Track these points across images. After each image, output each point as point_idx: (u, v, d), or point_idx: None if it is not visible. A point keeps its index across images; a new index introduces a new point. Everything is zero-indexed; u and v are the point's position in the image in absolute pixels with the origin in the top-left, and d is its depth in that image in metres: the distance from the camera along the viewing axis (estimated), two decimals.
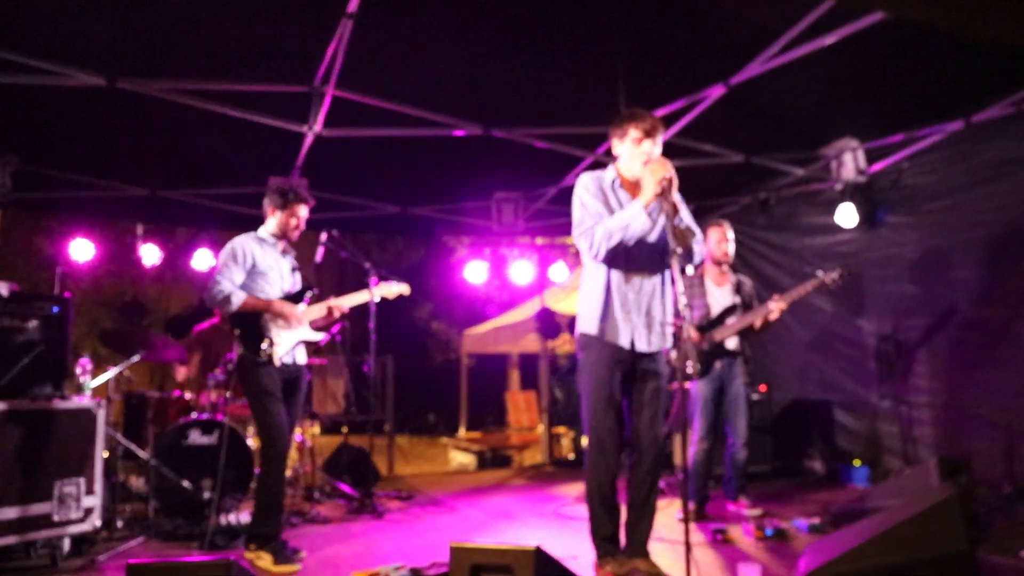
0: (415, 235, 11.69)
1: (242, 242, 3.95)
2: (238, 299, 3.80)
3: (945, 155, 5.32)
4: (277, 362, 3.83)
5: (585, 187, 3.38)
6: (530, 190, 6.92)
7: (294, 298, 4.04)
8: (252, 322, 3.86)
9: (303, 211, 4.04)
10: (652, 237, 3.35)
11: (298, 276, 4.18)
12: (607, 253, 3.25)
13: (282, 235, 4.05)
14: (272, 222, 4.04)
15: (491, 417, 15.37)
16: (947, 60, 4.45)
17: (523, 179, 6.72)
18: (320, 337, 4.13)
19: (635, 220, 3.17)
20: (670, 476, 6.09)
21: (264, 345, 3.81)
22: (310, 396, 6.75)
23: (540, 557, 2.39)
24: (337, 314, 4.11)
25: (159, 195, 6.21)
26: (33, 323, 3.97)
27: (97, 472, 4.02)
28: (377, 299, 4.44)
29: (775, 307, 4.55)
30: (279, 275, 4.03)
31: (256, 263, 3.93)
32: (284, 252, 4.10)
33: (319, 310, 4.07)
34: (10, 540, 3.66)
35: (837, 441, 6.18)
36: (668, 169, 3.11)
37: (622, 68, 4.49)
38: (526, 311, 10.97)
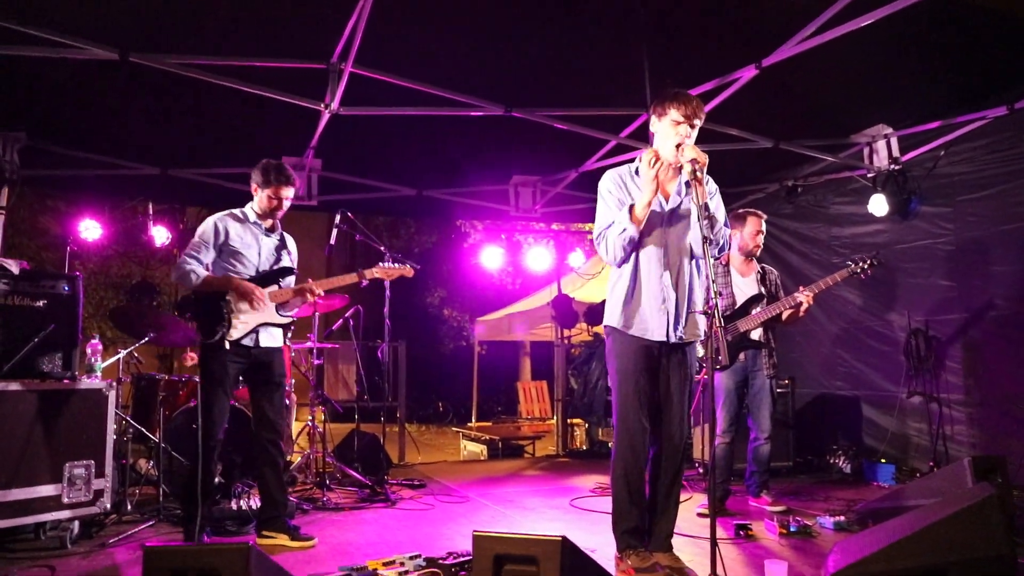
0: (431, 218, 11.58)
1: (218, 219, 3.85)
2: (197, 277, 3.70)
3: (984, 143, 5.13)
4: (226, 344, 3.67)
5: (607, 189, 3.33)
6: (549, 174, 6.79)
7: (268, 278, 3.90)
8: (210, 303, 3.72)
9: (286, 192, 3.90)
10: (681, 226, 3.27)
11: (286, 256, 4.03)
12: (624, 255, 3.23)
13: (265, 214, 3.92)
14: (256, 200, 3.93)
15: (501, 407, 15.32)
16: (989, 42, 4.30)
17: (542, 163, 6.59)
18: (286, 321, 3.93)
19: (639, 203, 3.15)
20: (689, 470, 5.99)
21: (220, 326, 3.67)
22: (321, 381, 6.68)
23: (566, 548, 2.29)
24: (310, 298, 3.94)
25: (169, 174, 6.12)
26: (43, 302, 3.92)
27: (107, 454, 3.97)
28: (367, 282, 4.16)
29: (803, 298, 4.41)
30: (257, 254, 3.89)
31: (230, 241, 3.81)
32: (271, 230, 3.98)
33: (289, 292, 3.92)
34: (20, 520, 3.63)
35: (863, 438, 6.04)
36: (700, 155, 3.01)
37: (649, 48, 4.34)
38: (541, 298, 10.84)
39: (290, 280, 4.02)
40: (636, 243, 3.23)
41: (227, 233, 3.82)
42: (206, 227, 3.82)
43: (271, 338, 3.91)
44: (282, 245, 4.03)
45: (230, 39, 4.20)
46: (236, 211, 3.93)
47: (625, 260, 3.25)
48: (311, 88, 4.58)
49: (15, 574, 3.20)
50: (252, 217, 3.93)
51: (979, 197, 5.18)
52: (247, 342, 3.78)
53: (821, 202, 6.49)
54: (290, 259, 4.05)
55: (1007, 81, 4.79)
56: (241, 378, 3.97)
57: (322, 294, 3.97)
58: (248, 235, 3.88)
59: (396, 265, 4.28)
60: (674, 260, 3.26)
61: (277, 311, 3.90)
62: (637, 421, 3.22)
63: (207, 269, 3.79)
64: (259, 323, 3.81)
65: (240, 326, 3.74)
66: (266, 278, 3.89)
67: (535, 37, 4.31)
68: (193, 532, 3.65)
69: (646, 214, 3.14)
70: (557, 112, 5.13)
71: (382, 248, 4.74)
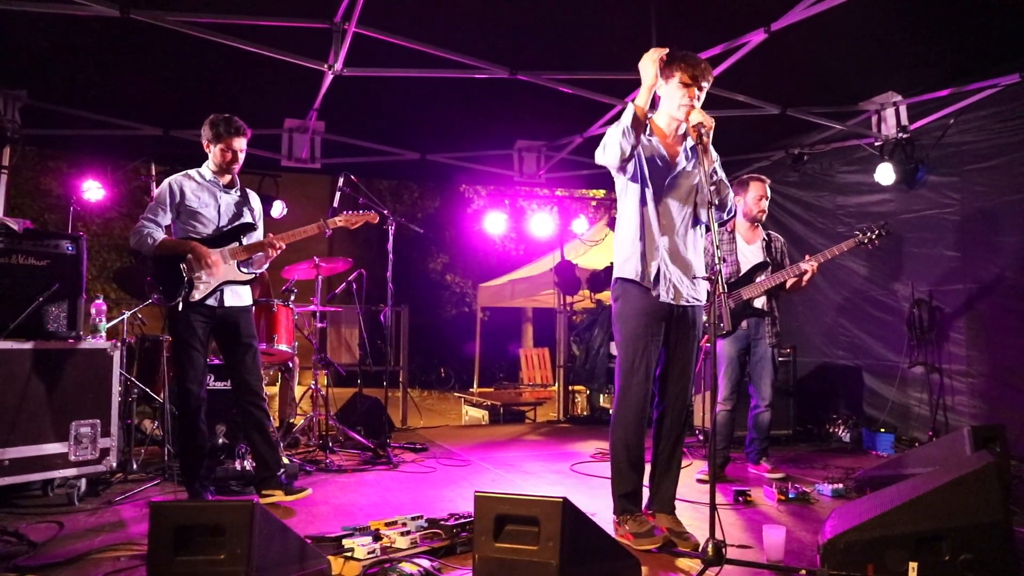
0: (434, 183, 11.52)
1: (172, 180, 3.79)
2: (154, 240, 3.66)
3: (995, 111, 5.06)
4: (180, 305, 3.64)
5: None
6: (554, 139, 6.73)
7: (228, 236, 3.84)
8: (170, 265, 3.68)
9: (239, 143, 3.82)
10: (685, 189, 3.24)
11: (247, 211, 3.96)
12: (620, 151, 3.07)
13: (220, 170, 3.86)
14: (210, 156, 3.85)
15: (503, 373, 15.41)
16: (1003, 8, 4.20)
17: (547, 128, 6.53)
18: (249, 278, 3.87)
19: (626, 115, 3.04)
20: (689, 436, 6.04)
21: (181, 289, 3.64)
22: (324, 344, 6.71)
23: (567, 509, 2.32)
24: (272, 252, 3.87)
25: (171, 135, 6.07)
26: (47, 261, 3.92)
27: (113, 414, 4.02)
28: (330, 231, 4.05)
29: (808, 267, 4.40)
30: (216, 212, 3.83)
31: (187, 201, 3.76)
32: (229, 186, 3.91)
33: (255, 247, 3.87)
34: (28, 477, 3.70)
35: (863, 407, 6.08)
36: (706, 119, 2.99)
37: (656, 10, 4.26)
38: (543, 265, 10.83)
39: (255, 236, 3.96)
40: (643, 199, 3.19)
41: (182, 193, 3.76)
42: (162, 189, 3.77)
43: (236, 297, 3.85)
44: (243, 201, 3.96)
45: None
46: (191, 171, 3.85)
47: (623, 160, 3.12)
48: (314, 48, 4.52)
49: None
50: (208, 176, 3.85)
51: (987, 167, 5.12)
52: (211, 302, 3.73)
53: (827, 170, 6.44)
54: (251, 215, 3.99)
55: (1020, 48, 4.70)
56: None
57: (283, 247, 3.89)
58: (205, 194, 3.82)
59: (360, 212, 4.22)
60: (680, 223, 3.25)
61: (239, 268, 3.83)
62: (641, 385, 3.20)
63: (166, 232, 3.75)
64: (221, 282, 3.76)
65: (202, 286, 3.70)
66: (227, 235, 3.83)
67: None
68: (197, 492, 3.71)
69: (648, 100, 3.04)
70: (562, 75, 5.06)
71: (385, 212, 4.72)
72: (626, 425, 3.23)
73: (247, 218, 3.95)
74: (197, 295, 3.69)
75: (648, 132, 3.25)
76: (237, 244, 3.85)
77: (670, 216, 3.23)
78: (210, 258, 3.71)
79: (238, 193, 3.95)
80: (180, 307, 3.64)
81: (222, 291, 3.78)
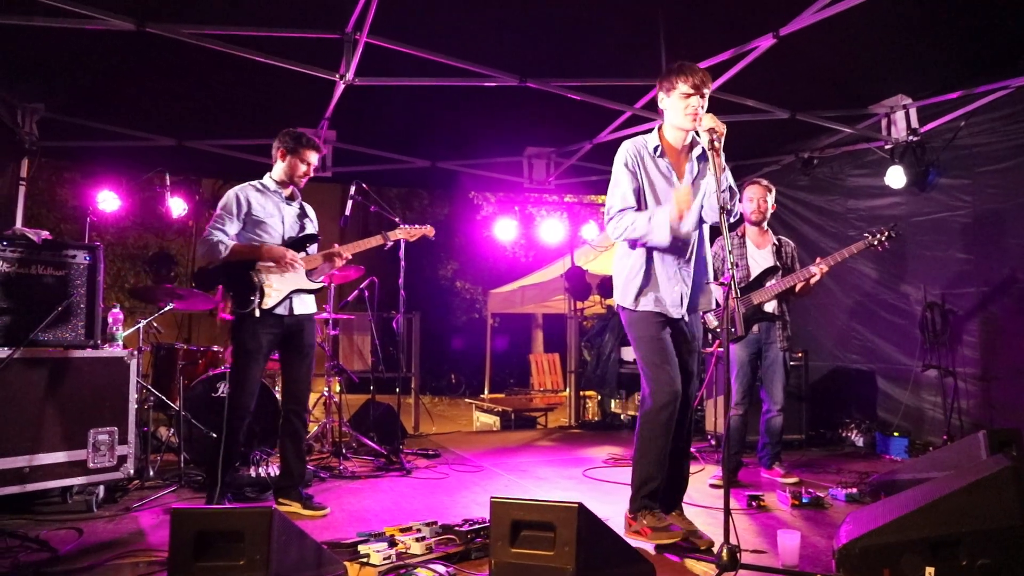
0: (444, 190, 11.57)
1: (239, 190, 3.86)
2: (226, 247, 3.71)
3: (1006, 113, 5.06)
4: (257, 312, 3.70)
5: (623, 161, 3.28)
6: (563, 146, 6.76)
7: (295, 245, 3.93)
8: (242, 273, 3.75)
9: (313, 158, 3.93)
10: (694, 201, 3.27)
11: (308, 223, 4.06)
12: (633, 242, 3.24)
13: (289, 181, 3.94)
14: (279, 167, 3.94)
15: (514, 379, 15.40)
16: (1012, 9, 4.19)
17: (556, 134, 6.56)
18: (318, 287, 3.98)
19: (657, 232, 3.14)
20: (701, 441, 6.03)
21: (253, 297, 3.71)
22: (336, 351, 6.74)
23: (583, 514, 2.33)
24: (339, 261, 3.98)
25: (185, 145, 6.14)
26: (65, 271, 3.96)
27: (130, 421, 4.05)
28: (391, 243, 4.22)
29: (817, 269, 4.40)
30: (280, 222, 3.92)
31: (252, 211, 3.83)
32: (291, 198, 4.00)
33: (318, 258, 3.96)
34: (48, 484, 3.74)
35: (877, 411, 6.05)
36: (718, 124, 3.01)
37: (665, 16, 4.28)
38: (554, 271, 10.84)
39: (314, 247, 4.05)
40: None
41: (249, 203, 3.84)
42: (227, 199, 3.84)
43: (304, 305, 3.95)
44: (303, 213, 4.06)
45: (245, 9, 4.19)
46: (254, 182, 3.94)
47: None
48: (326, 58, 4.57)
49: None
50: (272, 186, 3.95)
51: (999, 169, 5.11)
52: (280, 310, 3.81)
53: (838, 174, 6.43)
54: (312, 226, 4.09)
55: None
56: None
57: (350, 256, 4.02)
58: (270, 204, 3.91)
59: (417, 226, 4.34)
60: (687, 236, 3.28)
61: (308, 277, 3.93)
62: (669, 383, 3.19)
63: (233, 240, 3.82)
64: (292, 290, 3.85)
65: (273, 294, 3.78)
66: (293, 245, 3.92)
67: (550, 5, 4.26)
68: (214, 498, 3.74)
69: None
70: (572, 83, 5.09)
71: (396, 219, 4.75)
72: (655, 424, 3.21)
73: (309, 229, 4.04)
74: (269, 302, 3.75)
75: (659, 153, 3.28)
76: (304, 253, 3.93)
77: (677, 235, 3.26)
78: (287, 255, 3.78)
79: (299, 206, 4.04)
80: (256, 314, 3.70)
81: (291, 299, 3.85)
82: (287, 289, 3.83)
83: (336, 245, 4.01)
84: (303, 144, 3.88)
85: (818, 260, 4.47)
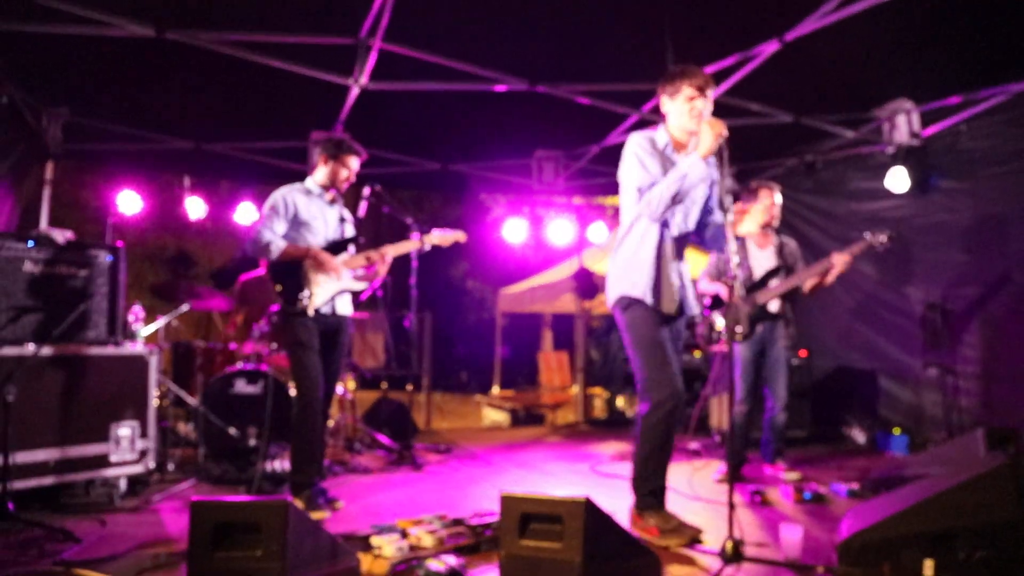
0: (454, 192, 11.65)
1: (285, 192, 3.98)
2: (278, 247, 3.82)
3: (1007, 118, 5.10)
4: (311, 311, 3.83)
5: (641, 146, 3.32)
6: (572, 148, 6.84)
7: (337, 247, 4.05)
8: (292, 272, 3.87)
9: (354, 163, 4.06)
10: (700, 197, 3.35)
11: (347, 226, 4.19)
12: (664, 212, 3.22)
13: (331, 185, 4.06)
14: (321, 172, 4.06)
15: (522, 377, 15.48)
16: (1014, 14, 4.24)
17: (565, 137, 6.64)
18: (362, 287, 4.11)
19: (693, 169, 3.11)
20: (705, 438, 6.11)
21: (302, 295, 3.82)
22: (351, 349, 6.86)
23: (591, 508, 2.40)
24: (381, 265, 4.10)
25: (203, 148, 6.26)
26: (87, 271, 4.07)
27: (150, 416, 4.17)
28: (428, 247, 4.36)
29: (838, 260, 4.45)
30: (324, 224, 4.04)
31: (299, 213, 3.95)
32: (332, 202, 4.12)
33: (361, 259, 4.08)
34: (72, 477, 3.85)
35: (878, 409, 6.11)
36: (722, 127, 3.09)
37: (671, 22, 4.36)
38: (562, 271, 10.92)
39: (353, 248, 4.17)
40: (664, 221, 3.33)
41: (295, 205, 3.96)
42: (274, 200, 3.94)
43: (345, 305, 4.08)
44: (344, 216, 4.19)
45: (261, 16, 4.28)
46: (297, 185, 4.05)
47: (664, 220, 3.30)
48: (340, 64, 4.67)
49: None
50: (316, 190, 4.07)
51: (1000, 172, 5.16)
52: (326, 310, 3.94)
53: (841, 177, 6.48)
54: (351, 228, 4.21)
55: None
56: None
57: (391, 258, 4.14)
58: (313, 207, 4.02)
59: (449, 232, 4.48)
60: (684, 236, 3.40)
61: (351, 278, 4.06)
62: (670, 383, 3.25)
63: (283, 241, 3.92)
64: (337, 290, 3.97)
65: (320, 293, 3.90)
66: (336, 246, 4.05)
67: (559, 12, 4.34)
68: (311, 497, 3.76)
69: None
70: (580, 87, 5.18)
71: (409, 221, 4.86)
72: (659, 424, 3.27)
73: (350, 231, 4.18)
74: (317, 301, 3.88)
75: (671, 148, 3.35)
76: (346, 255, 4.05)
77: (680, 229, 3.36)
78: (331, 262, 3.90)
79: (339, 209, 4.16)
80: (308, 311, 3.82)
81: (335, 299, 3.98)
82: (333, 289, 3.95)
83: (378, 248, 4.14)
84: (344, 150, 4.01)
85: (834, 253, 4.51)
